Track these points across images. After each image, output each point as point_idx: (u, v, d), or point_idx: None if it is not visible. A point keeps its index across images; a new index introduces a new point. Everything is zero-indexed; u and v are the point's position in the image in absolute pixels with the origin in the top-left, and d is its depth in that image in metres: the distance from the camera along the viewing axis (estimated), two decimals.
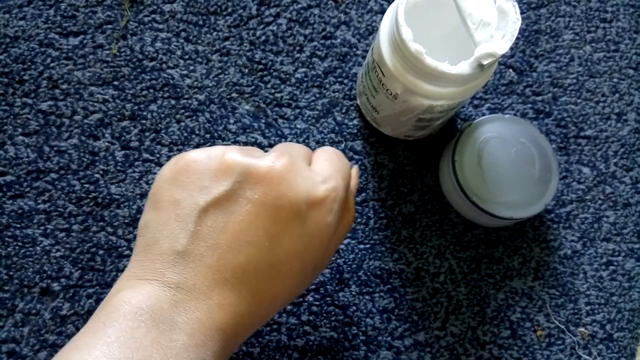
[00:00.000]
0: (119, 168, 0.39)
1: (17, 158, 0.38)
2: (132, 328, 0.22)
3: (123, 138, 0.39)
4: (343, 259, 0.39)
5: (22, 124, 0.39)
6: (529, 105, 0.42)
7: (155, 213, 0.25)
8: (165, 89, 0.40)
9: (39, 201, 0.38)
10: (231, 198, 0.24)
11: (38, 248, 0.37)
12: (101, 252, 0.38)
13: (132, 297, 0.23)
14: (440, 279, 0.39)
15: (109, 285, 0.37)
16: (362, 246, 0.39)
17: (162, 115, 0.40)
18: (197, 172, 0.25)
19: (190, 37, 0.41)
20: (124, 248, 0.38)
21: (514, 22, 0.29)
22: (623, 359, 0.39)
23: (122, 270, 0.36)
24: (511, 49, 0.42)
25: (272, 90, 0.41)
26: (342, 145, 0.40)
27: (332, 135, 0.40)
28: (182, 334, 0.22)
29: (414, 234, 0.39)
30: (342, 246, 0.39)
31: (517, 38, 0.42)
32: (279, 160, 0.25)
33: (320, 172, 0.27)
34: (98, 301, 0.37)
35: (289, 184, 0.25)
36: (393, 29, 0.30)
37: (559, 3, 0.44)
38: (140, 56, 0.40)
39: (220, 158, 0.25)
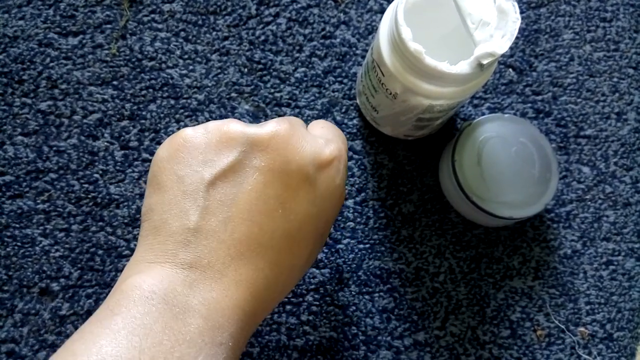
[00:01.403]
0: (118, 168, 0.39)
1: (16, 158, 0.38)
2: (142, 314, 0.21)
3: (122, 138, 0.39)
4: (343, 259, 0.39)
5: (21, 123, 0.39)
6: (529, 105, 0.42)
7: (160, 194, 0.24)
8: (165, 88, 0.40)
9: (38, 201, 0.38)
10: (238, 169, 0.24)
11: (37, 248, 0.37)
12: (100, 252, 0.38)
13: (143, 281, 0.22)
14: (440, 278, 0.39)
15: (109, 285, 0.37)
16: (361, 246, 0.39)
17: (162, 115, 0.40)
18: (198, 147, 0.24)
19: (190, 37, 0.41)
20: (123, 248, 0.38)
21: (514, 21, 0.29)
22: (623, 358, 0.39)
23: (122, 270, 0.36)
24: (511, 48, 0.42)
25: (272, 90, 0.41)
26: None
27: None
28: (197, 316, 0.21)
29: (414, 233, 0.39)
30: (341, 246, 0.39)
31: (517, 37, 0.42)
32: (280, 125, 0.25)
33: (321, 136, 0.27)
34: (97, 301, 0.37)
35: (294, 148, 0.24)
36: (392, 29, 0.30)
37: (558, 2, 0.43)
38: (139, 56, 0.40)
39: (220, 130, 0.24)
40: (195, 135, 0.24)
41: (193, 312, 0.21)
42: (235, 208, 0.23)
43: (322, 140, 0.26)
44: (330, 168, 0.26)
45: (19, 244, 0.37)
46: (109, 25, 0.40)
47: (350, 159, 0.40)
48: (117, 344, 0.20)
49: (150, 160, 0.39)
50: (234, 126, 0.24)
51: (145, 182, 0.39)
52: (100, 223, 0.38)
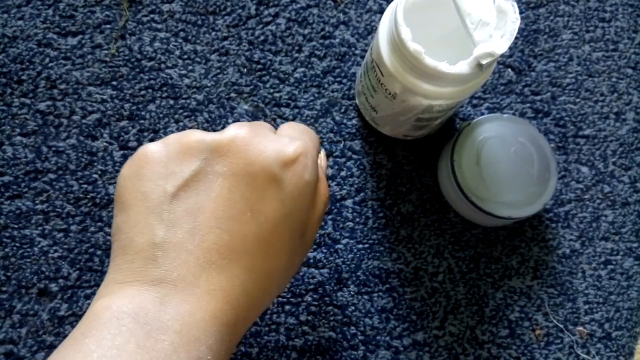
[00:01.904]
0: (117, 168, 0.39)
1: (15, 158, 0.38)
2: (112, 335, 0.20)
3: (121, 138, 0.39)
4: (341, 259, 0.39)
5: (20, 124, 0.39)
6: (528, 105, 0.42)
7: (125, 213, 0.24)
8: (164, 88, 0.40)
9: (37, 202, 0.38)
10: (200, 177, 0.23)
11: (36, 249, 0.37)
12: (99, 252, 0.38)
13: (112, 302, 0.21)
14: (439, 278, 0.39)
15: None
16: (360, 246, 0.39)
17: (161, 115, 0.40)
18: (159, 161, 0.24)
19: (189, 37, 0.41)
20: None
21: (513, 21, 0.29)
22: (621, 357, 0.39)
23: None
24: (510, 48, 0.42)
25: (271, 90, 0.41)
26: (341, 145, 0.40)
27: (331, 134, 0.40)
28: (170, 332, 0.21)
29: (413, 233, 0.39)
30: (340, 246, 0.39)
31: (516, 37, 0.42)
32: (240, 129, 0.24)
33: (286, 135, 0.26)
34: None
35: (256, 148, 0.24)
36: (392, 29, 0.30)
37: (557, 3, 0.44)
38: (138, 56, 0.40)
39: (180, 141, 0.24)
40: (155, 150, 0.24)
41: (166, 329, 0.21)
42: (201, 217, 0.23)
43: (286, 139, 0.25)
44: (297, 165, 0.25)
45: (17, 244, 0.37)
46: (108, 26, 0.40)
47: (349, 159, 0.40)
48: None
49: None
50: (193, 135, 0.24)
51: None
52: (99, 223, 0.38)
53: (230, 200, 0.23)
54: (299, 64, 0.41)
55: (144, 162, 0.24)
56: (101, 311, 0.21)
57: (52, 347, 0.36)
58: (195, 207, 0.23)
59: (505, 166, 0.37)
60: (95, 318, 0.21)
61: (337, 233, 0.39)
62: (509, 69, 0.42)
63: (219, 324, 0.22)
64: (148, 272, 0.22)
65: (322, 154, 0.31)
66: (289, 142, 0.25)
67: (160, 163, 0.24)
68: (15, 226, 0.37)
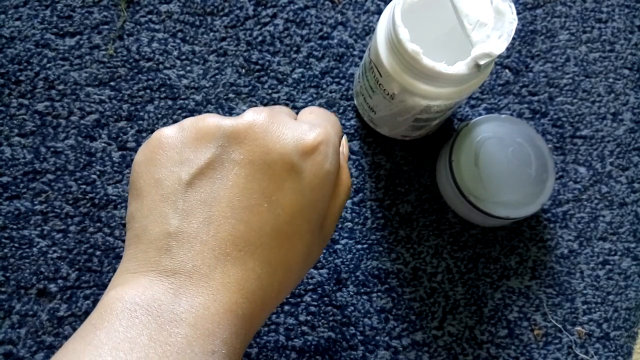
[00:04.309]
0: (115, 169, 0.39)
1: (13, 159, 0.38)
2: (125, 327, 0.19)
3: (120, 139, 0.39)
4: (341, 259, 0.39)
5: (18, 124, 0.39)
6: (525, 105, 0.42)
7: (139, 201, 0.23)
8: (162, 89, 0.40)
9: (36, 202, 0.38)
10: (216, 165, 0.22)
11: (35, 249, 0.37)
12: (98, 253, 0.38)
13: (125, 293, 0.21)
14: (438, 278, 0.39)
15: (106, 286, 0.37)
16: (359, 246, 0.39)
17: (159, 116, 0.40)
18: (173, 147, 0.23)
19: (187, 38, 0.41)
20: (121, 249, 0.38)
21: (511, 22, 0.29)
22: (620, 357, 0.39)
23: None
24: (507, 49, 0.42)
25: (269, 91, 0.41)
26: None
27: None
28: (183, 325, 0.20)
29: (412, 233, 0.39)
30: (339, 246, 0.39)
31: (513, 38, 0.43)
32: (259, 114, 0.23)
33: (306, 121, 0.25)
34: (95, 302, 0.37)
35: (274, 136, 0.23)
36: (390, 30, 0.30)
37: (554, 3, 0.44)
38: (136, 57, 0.40)
39: (196, 126, 0.23)
40: (170, 135, 0.23)
41: (179, 321, 0.20)
42: (217, 207, 0.22)
43: (306, 126, 0.24)
44: (317, 154, 0.24)
45: (16, 245, 0.37)
46: (106, 26, 0.40)
47: (347, 159, 0.40)
48: None
49: None
50: (209, 120, 0.23)
51: None
52: (98, 224, 0.38)
53: (247, 190, 0.22)
54: (297, 65, 0.41)
55: (157, 148, 0.23)
56: (113, 302, 0.20)
57: (51, 348, 0.36)
58: (211, 196, 0.22)
59: (503, 166, 0.37)
60: (107, 309, 0.20)
61: (336, 233, 0.39)
62: (507, 70, 0.42)
63: (234, 317, 0.21)
64: (162, 263, 0.21)
65: (344, 140, 0.29)
66: (309, 129, 0.24)
67: (174, 149, 0.23)
68: (14, 227, 0.37)
